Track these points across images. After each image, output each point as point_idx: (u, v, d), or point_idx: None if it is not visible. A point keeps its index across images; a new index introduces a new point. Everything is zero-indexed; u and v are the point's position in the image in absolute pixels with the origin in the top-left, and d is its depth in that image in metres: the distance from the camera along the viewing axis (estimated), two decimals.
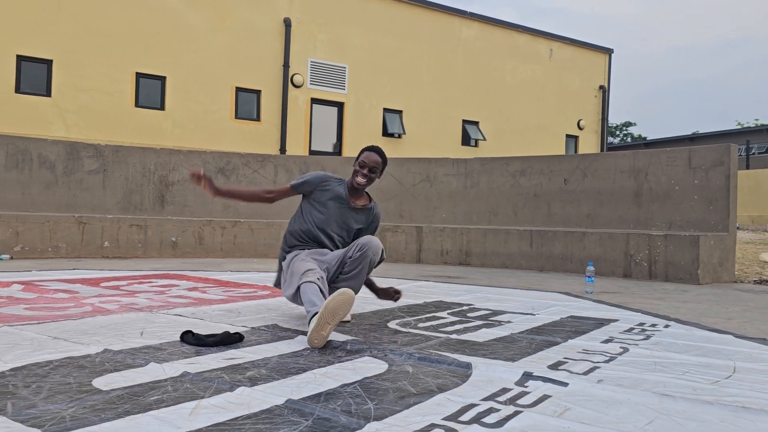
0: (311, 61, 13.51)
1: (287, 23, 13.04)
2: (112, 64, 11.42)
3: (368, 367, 2.25)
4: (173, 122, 12.03)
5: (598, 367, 2.33)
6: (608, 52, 18.94)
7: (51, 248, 7.28)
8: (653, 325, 3.39)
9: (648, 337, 3.02)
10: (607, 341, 2.89)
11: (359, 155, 3.38)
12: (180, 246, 7.99)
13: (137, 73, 11.67)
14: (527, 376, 2.14)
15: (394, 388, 1.98)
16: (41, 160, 7.95)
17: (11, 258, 6.93)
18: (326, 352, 2.50)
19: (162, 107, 11.95)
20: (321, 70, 13.61)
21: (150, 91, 11.78)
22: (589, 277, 4.90)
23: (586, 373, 2.23)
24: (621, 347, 2.74)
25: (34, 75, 10.84)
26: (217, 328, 2.89)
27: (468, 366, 2.27)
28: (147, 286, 4.65)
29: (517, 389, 1.98)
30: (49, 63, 10.97)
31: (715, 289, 5.52)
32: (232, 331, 2.69)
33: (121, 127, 11.44)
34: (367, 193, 3.52)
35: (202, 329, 2.82)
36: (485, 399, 1.86)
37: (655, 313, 3.86)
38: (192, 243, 8.07)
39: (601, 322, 3.44)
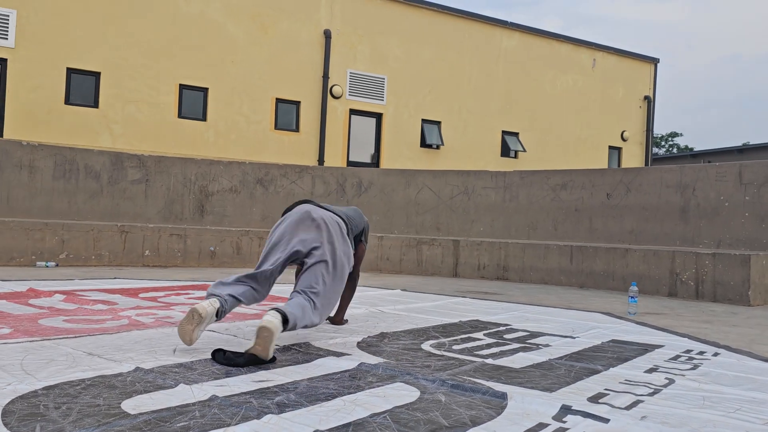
0: (350, 72, 13.57)
1: (327, 35, 13.14)
2: (156, 76, 11.69)
3: (399, 394, 2.18)
4: (215, 133, 12.23)
5: (642, 401, 2.21)
6: (654, 61, 18.48)
7: (94, 256, 7.44)
8: (701, 353, 3.23)
9: (695, 367, 2.87)
10: (651, 370, 2.75)
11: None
12: (218, 255, 8.08)
13: (181, 85, 11.92)
14: (566, 410, 2.04)
15: (425, 419, 1.91)
16: (87, 170, 8.16)
17: (57, 265, 7.11)
18: (357, 376, 2.44)
19: (204, 118, 12.17)
20: (360, 81, 13.65)
21: (193, 102, 12.01)
22: (632, 297, 4.73)
23: (628, 408, 2.11)
24: (666, 378, 2.60)
25: (82, 87, 11.17)
26: (249, 345, 2.87)
27: (503, 396, 2.18)
28: (183, 298, 4.69)
29: (555, 425, 1.89)
30: (97, 75, 11.30)
31: (767, 312, 5.26)
32: None
33: (164, 138, 11.69)
34: None
35: (235, 346, 2.80)
36: None
37: (703, 339, 3.68)
38: (230, 253, 8.15)
39: (645, 348, 3.30)
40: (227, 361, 2.52)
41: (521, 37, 16.02)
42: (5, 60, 10.69)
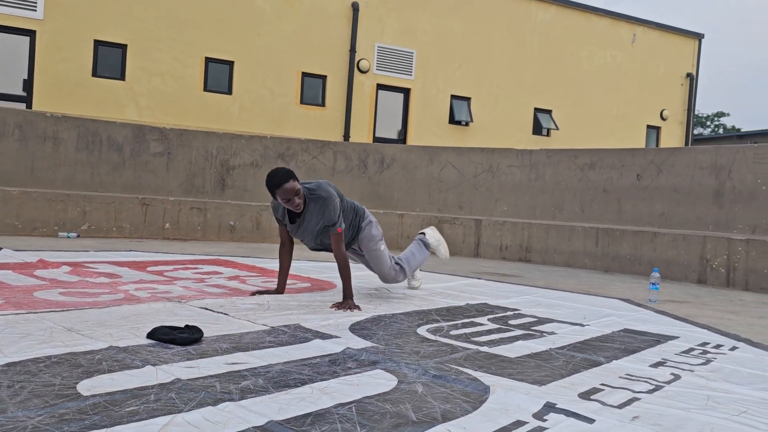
0: (378, 46, 13.31)
1: (355, 7, 12.89)
2: (182, 49, 11.67)
3: (375, 383, 2.06)
4: (240, 106, 12.19)
5: (638, 399, 2.04)
6: (698, 37, 17.67)
7: (115, 228, 7.49)
8: (718, 346, 3.01)
9: (708, 362, 2.66)
10: (657, 364, 2.56)
11: (274, 195, 3.40)
12: (237, 230, 8.06)
13: (206, 58, 11.88)
14: (549, 407, 1.88)
15: (393, 412, 1.78)
16: (110, 142, 8.19)
17: (78, 236, 7.18)
18: (338, 361, 2.32)
19: (229, 92, 12.13)
20: (388, 56, 13.40)
21: (218, 75, 11.97)
22: (653, 284, 4.49)
23: (621, 407, 1.95)
24: (672, 373, 2.41)
25: (109, 59, 11.22)
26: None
27: (486, 389, 2.03)
28: (190, 273, 4.65)
29: (533, 424, 1.74)
30: (123, 48, 11.33)
31: None
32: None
33: (189, 111, 11.70)
34: (303, 194, 3.43)
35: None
36: None
37: (724, 331, 3.45)
38: (249, 227, 8.12)
39: (657, 339, 3.10)
40: (165, 336, 2.43)
41: (557, 10, 15.46)
42: (34, 32, 10.78)
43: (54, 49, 10.89)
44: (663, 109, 17.17)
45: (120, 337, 2.47)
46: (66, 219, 7.17)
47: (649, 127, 17.05)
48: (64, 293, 3.41)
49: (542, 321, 3.45)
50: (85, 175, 8.02)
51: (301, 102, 12.74)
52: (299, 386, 1.97)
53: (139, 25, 11.34)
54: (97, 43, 11.15)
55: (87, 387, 1.83)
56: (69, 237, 7.06)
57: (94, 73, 11.13)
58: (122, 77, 11.35)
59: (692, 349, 2.91)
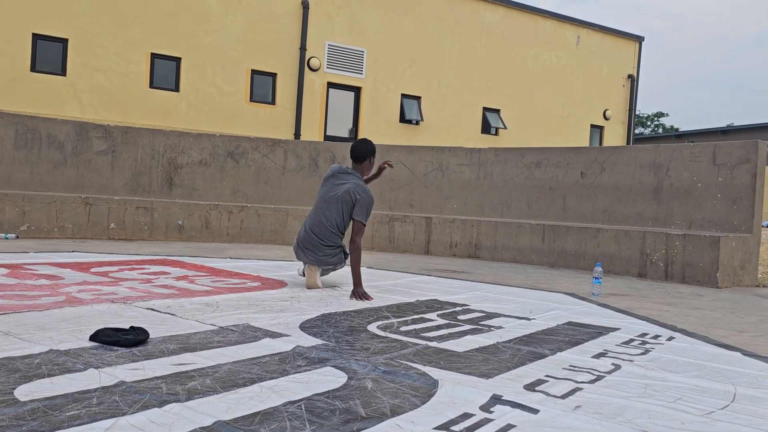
0: (329, 45, 13.27)
1: (305, 5, 12.80)
2: (127, 45, 11.34)
3: (325, 380, 2.06)
4: (187, 104, 11.94)
5: (580, 389, 2.11)
6: (638, 40, 18.31)
7: (57, 228, 7.23)
8: (656, 337, 3.14)
9: (646, 352, 2.78)
10: (599, 355, 2.66)
11: (369, 156, 4.37)
12: (186, 229, 7.90)
13: (152, 54, 11.58)
14: (495, 399, 1.93)
15: (342, 408, 1.79)
16: (50, 140, 7.90)
17: (17, 237, 6.90)
18: (287, 359, 2.32)
19: (177, 89, 11.86)
20: (338, 54, 13.37)
21: (165, 72, 11.68)
22: (596, 278, 4.64)
23: (564, 397, 2.01)
24: (613, 364, 2.51)
25: (49, 54, 10.80)
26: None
27: (434, 384, 2.06)
28: (136, 273, 4.53)
29: (480, 416, 1.78)
30: (64, 42, 10.93)
31: (733, 294, 5.21)
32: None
33: (135, 108, 11.38)
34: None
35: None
36: (438, 428, 1.66)
37: (662, 322, 3.60)
38: (198, 227, 7.97)
39: (599, 331, 3.21)
40: (108, 338, 2.38)
41: (505, 11, 15.75)
42: None
43: None
44: (606, 109, 17.72)
45: (61, 341, 2.39)
46: (3, 219, 6.88)
47: (592, 126, 17.58)
48: (1, 296, 3.28)
49: (490, 316, 3.52)
50: (24, 174, 7.71)
51: (251, 100, 12.57)
52: (248, 385, 1.95)
53: (81, 19, 10.96)
54: (36, 37, 10.72)
55: (25, 392, 1.77)
56: (7, 238, 6.77)
57: (33, 68, 10.70)
58: (63, 73, 10.94)
59: (632, 340, 3.03)
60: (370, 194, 4.19)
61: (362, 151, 4.30)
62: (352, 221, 4.18)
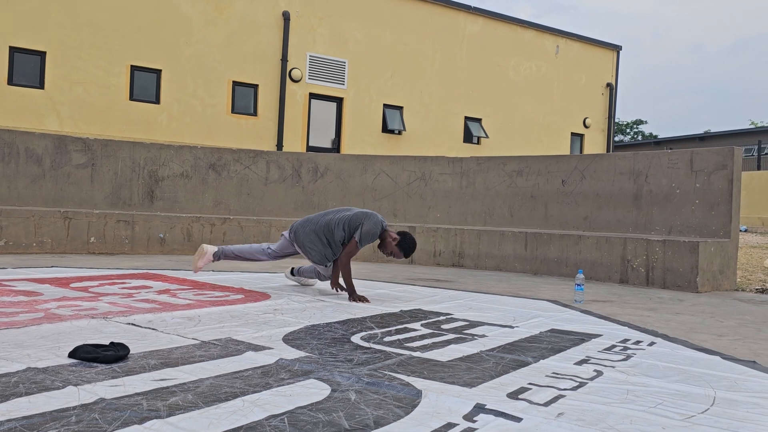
0: (310, 56, 13.29)
1: (286, 17, 12.83)
2: (106, 57, 11.26)
3: (308, 392, 2.05)
4: (168, 116, 11.87)
5: (563, 396, 2.12)
6: (616, 49, 18.59)
7: (36, 243, 7.13)
8: (637, 342, 3.17)
9: (628, 358, 2.80)
10: (581, 362, 2.67)
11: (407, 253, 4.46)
12: (168, 243, 7.83)
13: (132, 66, 11.51)
14: (479, 408, 1.93)
15: (325, 421, 1.78)
16: (28, 154, 7.80)
17: None
18: (270, 372, 2.30)
19: (157, 101, 11.79)
20: (320, 65, 13.39)
21: (145, 84, 11.61)
22: (578, 285, 4.68)
23: (547, 404, 2.02)
24: (595, 370, 2.53)
25: (27, 67, 10.69)
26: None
27: (418, 394, 2.06)
28: (117, 288, 4.48)
29: (464, 425, 1.78)
30: (42, 55, 10.83)
31: (713, 299, 5.28)
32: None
33: (115, 121, 11.30)
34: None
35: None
36: None
37: (643, 328, 3.63)
38: (180, 240, 7.90)
39: (582, 338, 3.23)
40: (88, 355, 2.35)
41: (485, 22, 15.91)
42: None
43: None
44: (585, 117, 17.94)
45: (39, 358, 2.35)
46: None
47: (573, 134, 17.77)
48: None
49: (474, 324, 3.53)
50: (1, 189, 7.60)
51: (233, 111, 12.54)
52: (230, 399, 1.94)
53: (59, 31, 10.87)
54: (13, 50, 10.60)
55: (1, 412, 1.74)
56: None
57: (10, 81, 10.58)
58: (41, 86, 10.83)
59: (614, 346, 3.05)
60: (377, 233, 4.39)
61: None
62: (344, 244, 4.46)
